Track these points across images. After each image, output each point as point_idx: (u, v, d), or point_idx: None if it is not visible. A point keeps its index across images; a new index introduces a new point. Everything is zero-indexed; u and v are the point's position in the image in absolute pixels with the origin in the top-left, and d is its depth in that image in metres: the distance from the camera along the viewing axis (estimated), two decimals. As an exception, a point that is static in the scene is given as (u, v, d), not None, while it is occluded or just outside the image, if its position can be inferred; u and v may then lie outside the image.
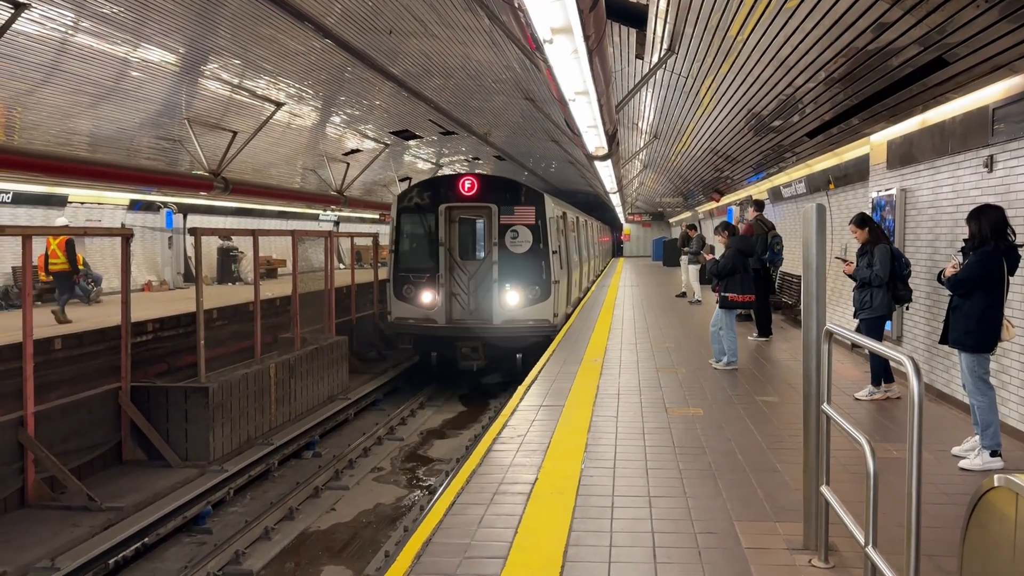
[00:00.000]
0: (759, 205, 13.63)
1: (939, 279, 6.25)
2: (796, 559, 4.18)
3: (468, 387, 15.83)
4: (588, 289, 23.79)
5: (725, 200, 22.61)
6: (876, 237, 7.77)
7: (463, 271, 15.09)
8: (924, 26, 5.73)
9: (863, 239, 7.81)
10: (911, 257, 8.37)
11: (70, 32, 9.24)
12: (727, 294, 9.91)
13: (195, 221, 22.34)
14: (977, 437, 5.85)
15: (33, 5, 8.22)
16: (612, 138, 10.23)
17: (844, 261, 8.26)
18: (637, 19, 7.99)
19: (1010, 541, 2.44)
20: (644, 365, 10.15)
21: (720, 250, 10.40)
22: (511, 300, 14.72)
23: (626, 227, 52.85)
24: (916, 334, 8.66)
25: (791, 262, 15.04)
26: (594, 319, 15.35)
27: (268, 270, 24.39)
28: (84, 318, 13.39)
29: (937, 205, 8.07)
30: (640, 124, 15.43)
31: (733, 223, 13.55)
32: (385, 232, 21.31)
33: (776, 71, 8.25)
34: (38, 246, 13.60)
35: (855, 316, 7.88)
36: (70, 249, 13.89)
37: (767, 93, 9.31)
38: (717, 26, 7.49)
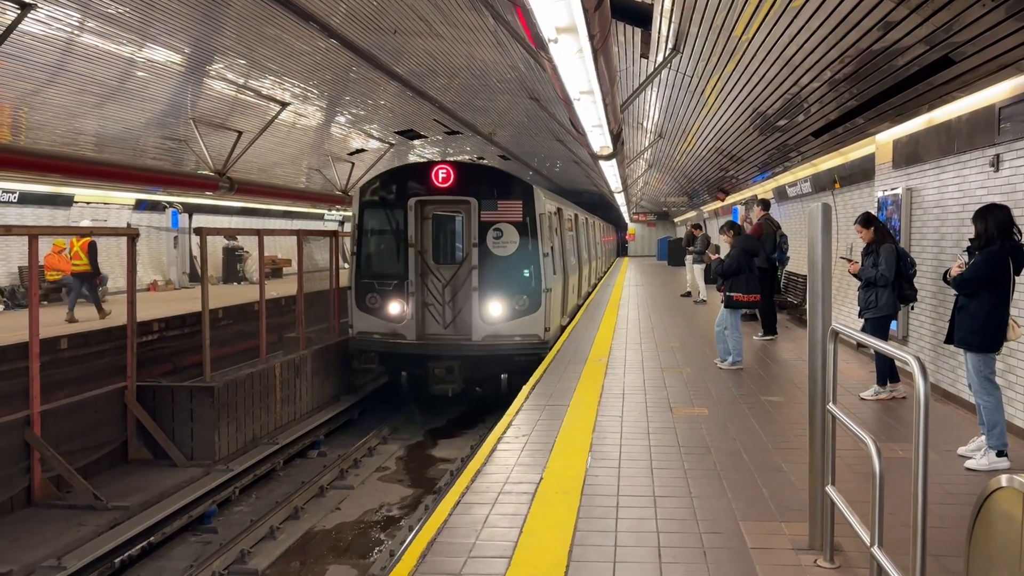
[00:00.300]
0: (765, 204, 13.61)
1: (945, 279, 6.24)
2: (801, 559, 4.17)
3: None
4: (589, 294, 21.97)
5: (730, 200, 22.58)
6: (881, 237, 7.76)
7: (437, 277, 13.05)
8: (930, 25, 5.72)
9: (868, 239, 7.80)
10: (917, 257, 8.35)
11: (76, 32, 9.27)
12: (732, 294, 9.90)
13: (200, 221, 22.43)
14: (983, 437, 5.84)
15: (39, 5, 8.25)
16: (617, 137, 10.21)
17: (849, 261, 8.25)
18: (642, 18, 7.98)
19: (1017, 541, 2.43)
20: (649, 365, 10.14)
21: (725, 250, 10.39)
22: (494, 312, 12.68)
23: (631, 227, 52.81)
24: (922, 334, 8.64)
25: (796, 262, 15.01)
26: (599, 318, 15.32)
27: (273, 270, 24.43)
28: (91, 317, 13.46)
29: (943, 205, 8.05)
30: (645, 123, 15.40)
31: (738, 222, 13.53)
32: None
33: (781, 70, 8.24)
34: (44, 246, 13.68)
35: (860, 316, 7.87)
36: (92, 251, 14.17)
37: (772, 92, 9.29)
38: (722, 25, 7.47)
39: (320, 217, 29.64)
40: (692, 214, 34.61)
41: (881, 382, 7.99)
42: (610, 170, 17.07)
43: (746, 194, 20.53)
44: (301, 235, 14.86)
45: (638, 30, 8.55)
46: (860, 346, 10.74)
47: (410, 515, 9.15)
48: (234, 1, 9.04)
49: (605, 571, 4.06)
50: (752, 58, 8.19)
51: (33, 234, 9.09)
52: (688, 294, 19.84)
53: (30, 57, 9.58)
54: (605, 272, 32.88)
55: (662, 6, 7.48)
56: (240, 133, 14.66)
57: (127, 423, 10.05)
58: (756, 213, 13.51)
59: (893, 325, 8.35)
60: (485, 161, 25.04)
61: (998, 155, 6.81)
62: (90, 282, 14.25)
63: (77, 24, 9.06)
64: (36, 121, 11.97)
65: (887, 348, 3.61)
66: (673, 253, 35.37)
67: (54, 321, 12.12)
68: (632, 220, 50.71)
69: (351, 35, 10.32)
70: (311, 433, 11.98)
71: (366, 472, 10.72)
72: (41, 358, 8.93)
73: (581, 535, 4.52)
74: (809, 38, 6.94)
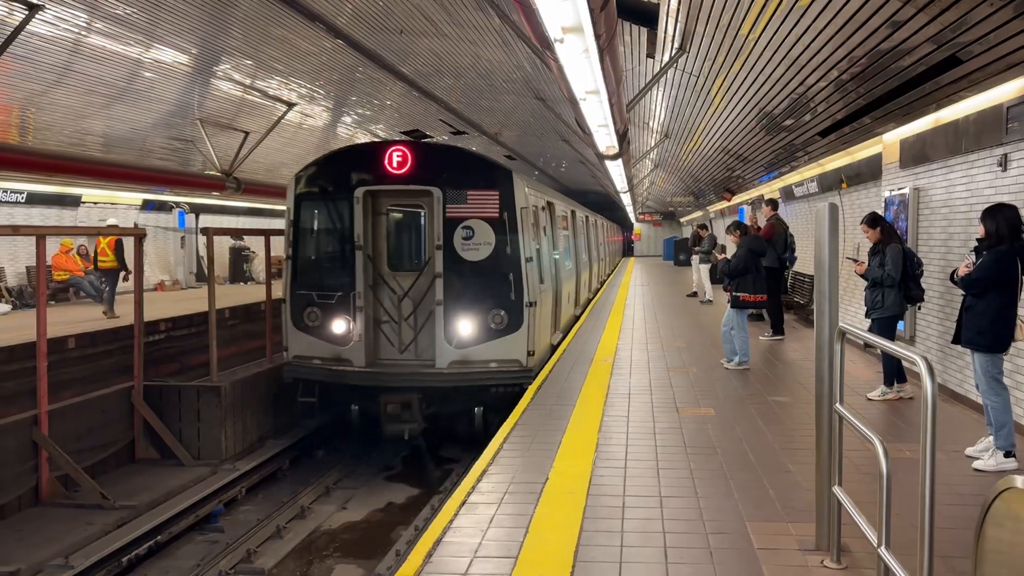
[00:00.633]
0: (774, 204, 13.58)
1: (952, 279, 6.22)
2: (808, 560, 4.16)
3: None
4: (590, 301, 19.88)
5: (736, 200, 22.54)
6: (888, 237, 7.74)
7: (392, 288, 10.36)
8: (937, 24, 5.70)
9: (875, 239, 7.78)
10: (924, 257, 8.32)
11: (83, 33, 9.30)
12: (739, 294, 9.89)
13: (207, 221, 22.48)
14: (991, 438, 5.82)
15: (47, 6, 8.28)
16: (623, 137, 10.20)
17: (855, 261, 8.22)
18: (648, 18, 7.97)
19: (1025, 542, 2.43)
20: (655, 365, 10.12)
21: (732, 249, 10.37)
22: (463, 331, 10.01)
23: (637, 226, 52.78)
24: (929, 334, 8.61)
25: (803, 262, 14.98)
26: (604, 319, 15.31)
27: (279, 269, 24.45)
28: (97, 317, 13.50)
29: (950, 204, 8.02)
30: (651, 123, 15.38)
31: (745, 222, 13.50)
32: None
33: (788, 70, 8.22)
34: (52, 246, 13.74)
35: (867, 316, 7.84)
36: (119, 248, 14.51)
37: (779, 92, 9.27)
38: (728, 25, 7.46)
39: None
40: (698, 214, 34.55)
41: (888, 382, 7.97)
42: (616, 170, 17.08)
43: (752, 194, 20.49)
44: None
45: (644, 30, 8.55)
46: (867, 346, 10.70)
47: (416, 515, 9.16)
48: (240, 2, 9.06)
49: (611, 572, 4.05)
50: (759, 58, 8.18)
51: (41, 234, 9.14)
52: (694, 294, 19.83)
53: (38, 58, 9.63)
54: (610, 274, 32.56)
55: (668, 6, 7.47)
56: (247, 133, 14.69)
57: (134, 422, 10.09)
58: (765, 212, 13.45)
59: (900, 325, 8.33)
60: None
61: (1006, 155, 6.79)
62: (114, 278, 14.47)
63: (84, 25, 9.09)
64: (44, 122, 12.02)
65: (894, 348, 3.60)
66: (679, 253, 35.34)
67: (61, 320, 12.16)
68: (638, 220, 50.69)
69: (357, 35, 10.33)
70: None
71: (372, 471, 10.59)
72: (48, 357, 8.96)
73: (587, 535, 4.52)
74: (816, 37, 6.92)
